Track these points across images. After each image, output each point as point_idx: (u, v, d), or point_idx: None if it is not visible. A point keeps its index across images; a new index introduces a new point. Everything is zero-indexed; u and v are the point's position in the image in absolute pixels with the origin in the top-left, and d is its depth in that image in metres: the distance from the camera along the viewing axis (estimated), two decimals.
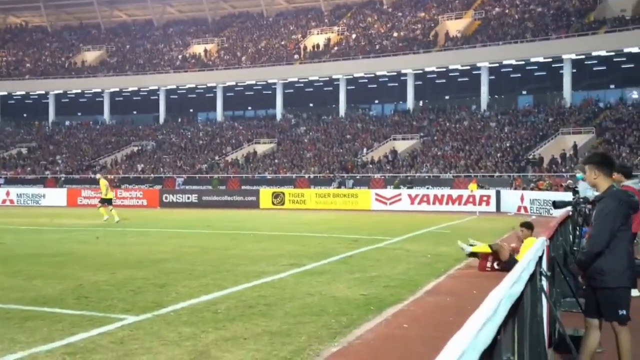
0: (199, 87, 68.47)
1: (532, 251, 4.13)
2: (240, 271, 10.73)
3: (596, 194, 10.28)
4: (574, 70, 53.40)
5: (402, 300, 8.35)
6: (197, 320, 6.96)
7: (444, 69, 57.65)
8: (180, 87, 68.61)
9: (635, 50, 50.27)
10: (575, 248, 7.88)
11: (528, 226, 10.70)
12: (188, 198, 37.58)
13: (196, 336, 6.29)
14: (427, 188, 37.92)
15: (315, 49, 63.69)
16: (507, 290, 2.77)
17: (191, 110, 72.79)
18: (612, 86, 55.89)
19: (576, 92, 53.87)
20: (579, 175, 12.50)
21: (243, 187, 45.58)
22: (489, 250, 10.86)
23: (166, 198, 39.03)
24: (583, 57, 52.14)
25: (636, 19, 50.10)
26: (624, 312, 4.82)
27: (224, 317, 7.16)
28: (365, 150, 51.60)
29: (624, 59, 52.61)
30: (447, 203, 32.17)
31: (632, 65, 53.38)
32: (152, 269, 10.99)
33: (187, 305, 7.80)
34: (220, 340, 6.15)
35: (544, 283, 4.82)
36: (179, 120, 69.64)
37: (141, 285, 9.24)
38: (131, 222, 23.03)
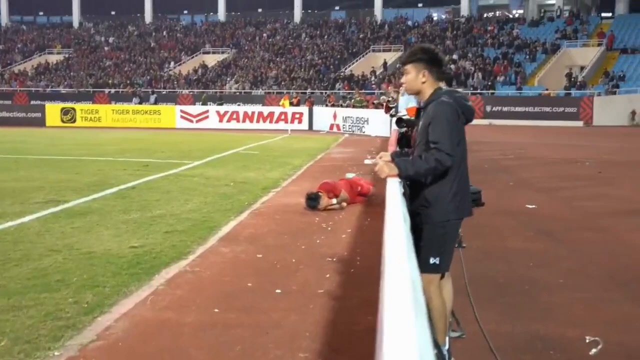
0: None
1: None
2: None
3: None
4: None
5: (187, 255, 6.09)
6: None
7: None
8: None
9: None
10: None
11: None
12: None
13: None
14: (238, 105, 35.58)
15: None
16: None
17: None
18: (420, 5, 56.53)
19: (387, 10, 53.80)
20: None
21: (32, 103, 40.02)
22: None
23: None
24: None
25: None
26: (437, 260, 3.35)
27: None
28: (172, 63, 47.80)
29: None
30: (257, 121, 30.09)
31: None
32: None
33: None
34: None
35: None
36: None
37: None
38: None
